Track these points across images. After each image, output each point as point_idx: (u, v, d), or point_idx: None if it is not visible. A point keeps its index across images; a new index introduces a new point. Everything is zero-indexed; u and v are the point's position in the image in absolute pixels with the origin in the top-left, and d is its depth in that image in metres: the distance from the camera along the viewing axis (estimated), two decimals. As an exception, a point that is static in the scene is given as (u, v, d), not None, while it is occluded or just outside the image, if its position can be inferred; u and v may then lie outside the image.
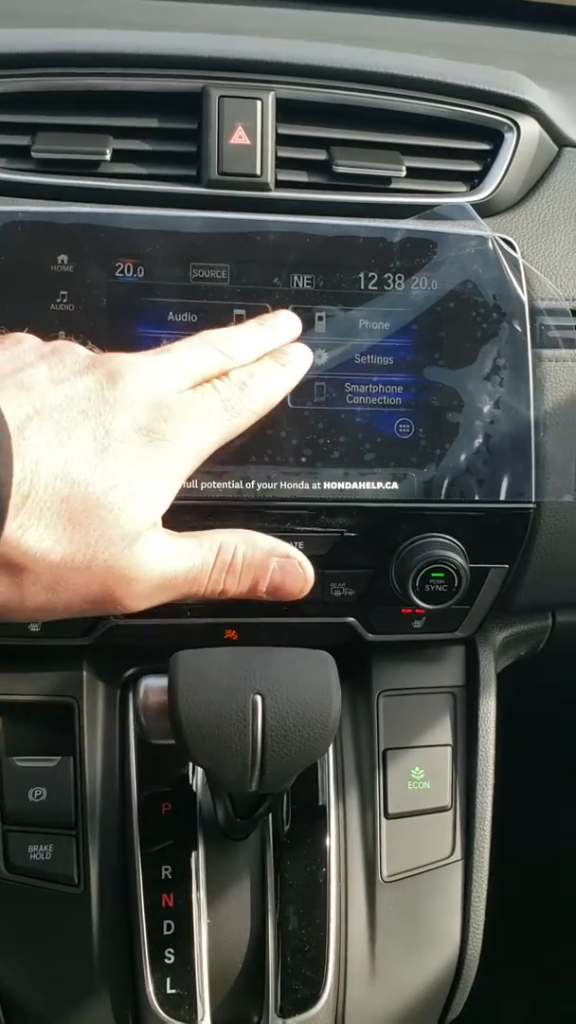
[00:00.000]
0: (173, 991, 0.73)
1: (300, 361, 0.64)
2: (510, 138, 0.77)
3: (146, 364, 0.55)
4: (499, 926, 0.85)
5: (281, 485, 0.67)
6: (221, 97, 0.71)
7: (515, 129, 0.77)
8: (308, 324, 0.68)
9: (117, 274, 0.67)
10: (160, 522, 0.55)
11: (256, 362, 0.61)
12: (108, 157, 0.70)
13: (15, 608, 0.51)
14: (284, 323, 0.66)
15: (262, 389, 0.60)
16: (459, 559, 0.69)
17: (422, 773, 0.80)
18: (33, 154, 0.70)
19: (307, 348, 0.65)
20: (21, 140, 0.71)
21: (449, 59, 0.80)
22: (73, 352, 0.55)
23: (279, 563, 0.61)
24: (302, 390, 0.67)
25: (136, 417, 0.53)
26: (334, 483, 0.68)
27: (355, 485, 0.68)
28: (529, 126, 0.78)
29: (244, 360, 0.61)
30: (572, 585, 0.78)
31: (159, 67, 0.72)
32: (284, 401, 0.67)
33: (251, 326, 0.64)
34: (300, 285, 0.69)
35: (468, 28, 1.07)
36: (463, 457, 0.69)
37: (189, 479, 0.65)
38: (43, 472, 0.49)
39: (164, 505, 0.54)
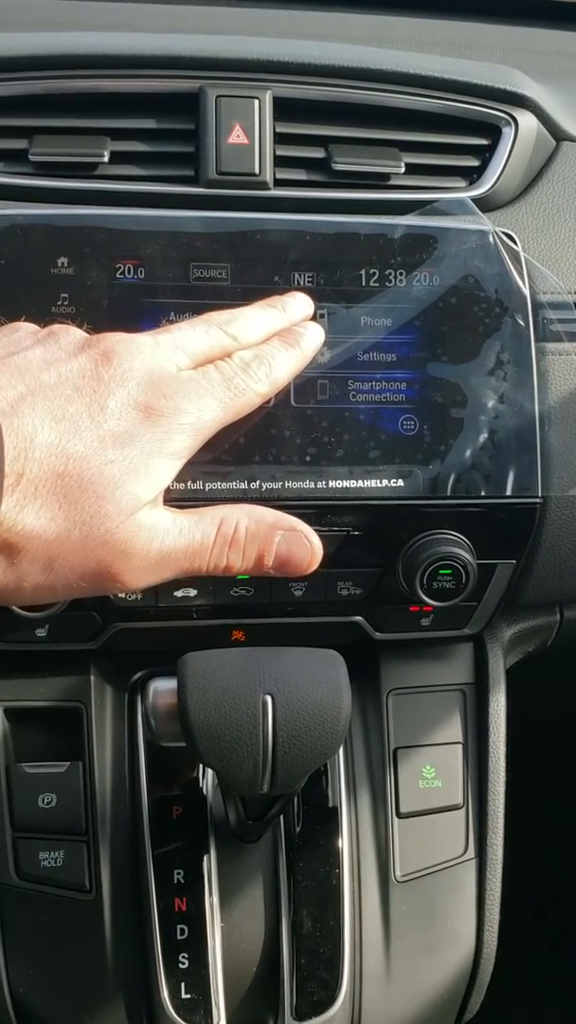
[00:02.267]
0: (188, 996, 0.72)
1: (309, 342, 0.63)
2: (508, 133, 0.77)
3: (144, 342, 0.55)
4: (514, 924, 0.84)
5: (286, 484, 0.67)
6: (218, 97, 0.71)
7: (513, 124, 0.77)
8: None
9: (118, 275, 0.66)
10: (159, 499, 0.54)
11: (263, 343, 0.61)
12: (106, 159, 0.70)
13: (13, 589, 0.51)
14: (294, 304, 0.65)
15: (267, 370, 0.59)
16: (466, 555, 0.68)
17: (433, 771, 0.80)
18: (30, 157, 0.70)
19: (319, 327, 0.64)
20: (18, 144, 0.71)
21: (445, 56, 0.80)
22: (69, 334, 0.55)
23: (285, 536, 0.60)
24: (305, 388, 0.67)
25: (133, 393, 0.52)
26: (339, 481, 0.67)
27: (360, 483, 0.68)
28: (527, 120, 0.77)
29: (249, 341, 0.60)
30: (580, 580, 0.78)
31: (155, 68, 0.72)
32: (287, 400, 0.67)
33: (258, 307, 0.63)
34: (301, 283, 0.68)
35: (461, 25, 1.07)
36: (468, 453, 0.69)
37: (194, 479, 0.65)
38: (36, 450, 0.48)
39: (163, 482, 0.53)
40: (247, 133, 0.71)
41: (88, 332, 0.65)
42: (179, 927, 0.73)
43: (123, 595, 0.67)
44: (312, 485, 0.67)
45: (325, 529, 0.68)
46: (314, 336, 0.64)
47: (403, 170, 0.74)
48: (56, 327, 0.56)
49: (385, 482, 0.68)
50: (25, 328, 0.57)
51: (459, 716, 0.81)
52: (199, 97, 0.71)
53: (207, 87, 0.71)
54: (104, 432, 0.51)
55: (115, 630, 0.72)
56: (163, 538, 0.53)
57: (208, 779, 0.76)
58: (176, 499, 0.60)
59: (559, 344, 0.72)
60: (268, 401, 0.63)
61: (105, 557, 0.51)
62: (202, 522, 0.57)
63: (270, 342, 0.61)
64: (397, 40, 0.95)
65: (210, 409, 0.55)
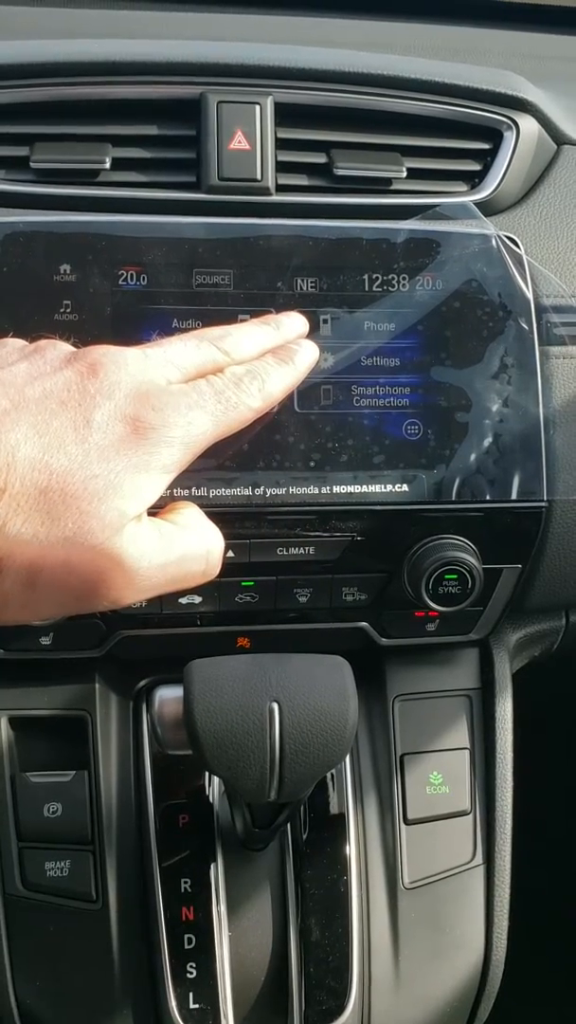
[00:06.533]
0: (196, 1006, 0.72)
1: (303, 358, 0.62)
2: (509, 137, 0.77)
3: (133, 355, 0.54)
4: (523, 931, 0.84)
5: (290, 490, 0.67)
6: (219, 103, 0.71)
7: (514, 128, 0.77)
8: (313, 327, 0.67)
9: (120, 282, 0.66)
10: (145, 514, 0.52)
11: (256, 359, 0.60)
12: (107, 166, 0.70)
13: None
14: (288, 322, 0.64)
15: (260, 384, 0.57)
16: (472, 560, 0.68)
17: (440, 777, 0.79)
18: (32, 164, 0.70)
19: (313, 345, 0.64)
20: (19, 151, 0.71)
21: (445, 61, 0.80)
22: (56, 348, 0.54)
23: None
24: (309, 394, 0.67)
25: (120, 406, 0.51)
26: (344, 487, 0.67)
27: (365, 488, 0.67)
28: (528, 124, 0.78)
29: (242, 357, 0.59)
30: (586, 584, 0.78)
31: (156, 74, 0.72)
32: (291, 406, 0.66)
33: (251, 324, 0.63)
34: (304, 288, 0.68)
35: (461, 30, 1.07)
36: (473, 457, 0.69)
37: (198, 486, 0.65)
38: (19, 465, 0.47)
39: (150, 497, 0.52)
40: (249, 139, 0.71)
41: (90, 339, 0.65)
42: (186, 936, 0.73)
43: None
44: (316, 491, 0.67)
45: (330, 535, 0.68)
46: (308, 353, 0.63)
47: (405, 175, 0.74)
48: (43, 342, 0.55)
49: (390, 487, 0.68)
50: (12, 344, 0.56)
51: (466, 721, 0.81)
52: (200, 103, 0.71)
53: (208, 93, 0.71)
54: (89, 446, 0.49)
55: (120, 638, 0.72)
56: (151, 554, 0.52)
57: (215, 787, 0.76)
58: None
59: (563, 348, 0.72)
60: (272, 407, 0.63)
61: (90, 574, 0.49)
62: (189, 535, 0.55)
63: (263, 358, 0.60)
64: (397, 45, 0.95)
65: (200, 423, 0.53)
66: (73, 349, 0.55)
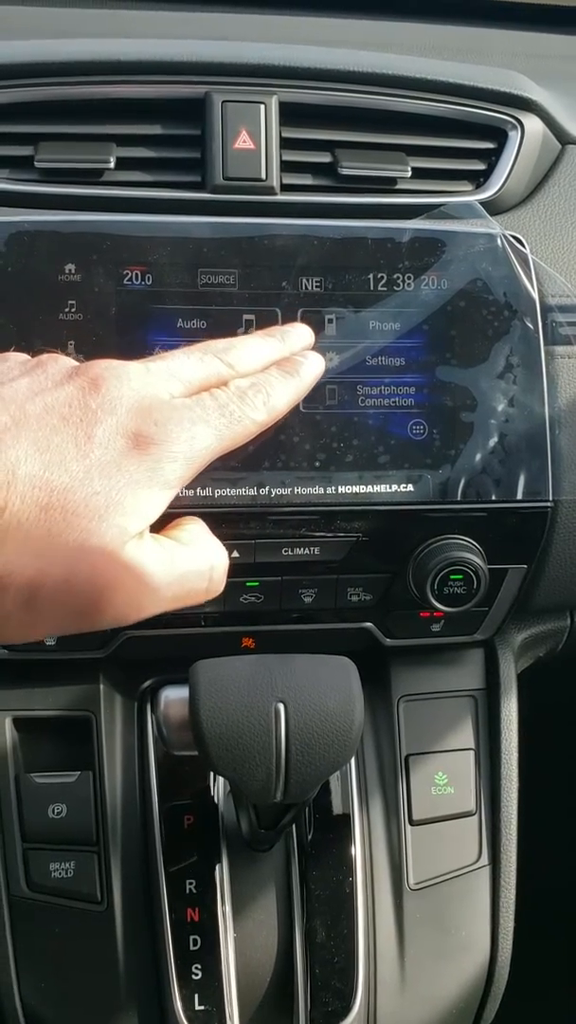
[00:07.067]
0: (202, 1007, 0.72)
1: (309, 371, 0.61)
2: (514, 136, 0.76)
3: (136, 369, 0.53)
4: (529, 931, 0.84)
5: (296, 490, 0.67)
6: (224, 102, 0.71)
7: (519, 127, 0.77)
8: (318, 327, 0.67)
9: (125, 282, 0.66)
10: (147, 530, 0.51)
11: (261, 372, 0.59)
12: (112, 165, 0.70)
13: None
14: (293, 333, 0.63)
15: (264, 397, 0.56)
16: (477, 560, 0.68)
17: (445, 778, 0.79)
18: (36, 164, 0.70)
19: (319, 357, 0.62)
20: (24, 150, 0.70)
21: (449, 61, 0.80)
22: (57, 363, 0.53)
23: None
24: (314, 394, 0.66)
25: (122, 421, 0.50)
26: (349, 487, 0.67)
27: (370, 488, 0.67)
28: (533, 124, 0.77)
29: (247, 369, 0.58)
30: (591, 584, 0.78)
31: (161, 74, 0.72)
32: (297, 405, 0.66)
33: (256, 336, 0.62)
34: (309, 288, 0.68)
35: (464, 30, 1.07)
36: (478, 457, 0.68)
37: (204, 486, 0.64)
38: (19, 482, 0.47)
39: (152, 514, 0.51)
40: (253, 138, 0.71)
41: (94, 339, 0.65)
42: (192, 937, 0.73)
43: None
44: (321, 491, 0.67)
45: (335, 535, 0.68)
46: (314, 365, 0.62)
47: (410, 174, 0.73)
48: (45, 356, 0.54)
49: (395, 487, 0.68)
50: (14, 358, 0.55)
51: (471, 722, 0.81)
52: (205, 102, 0.71)
53: (213, 92, 0.71)
54: (91, 462, 0.48)
55: (124, 638, 0.72)
56: (152, 572, 0.51)
57: (220, 788, 0.76)
58: (185, 506, 0.60)
59: (568, 347, 0.72)
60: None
61: (90, 594, 0.48)
62: (192, 553, 0.54)
63: (268, 371, 0.59)
64: (401, 45, 0.95)
65: (203, 437, 0.52)
66: (76, 363, 0.54)
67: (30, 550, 0.46)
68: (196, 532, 0.56)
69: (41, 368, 0.53)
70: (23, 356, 0.55)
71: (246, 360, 0.58)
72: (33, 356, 0.55)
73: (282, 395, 0.58)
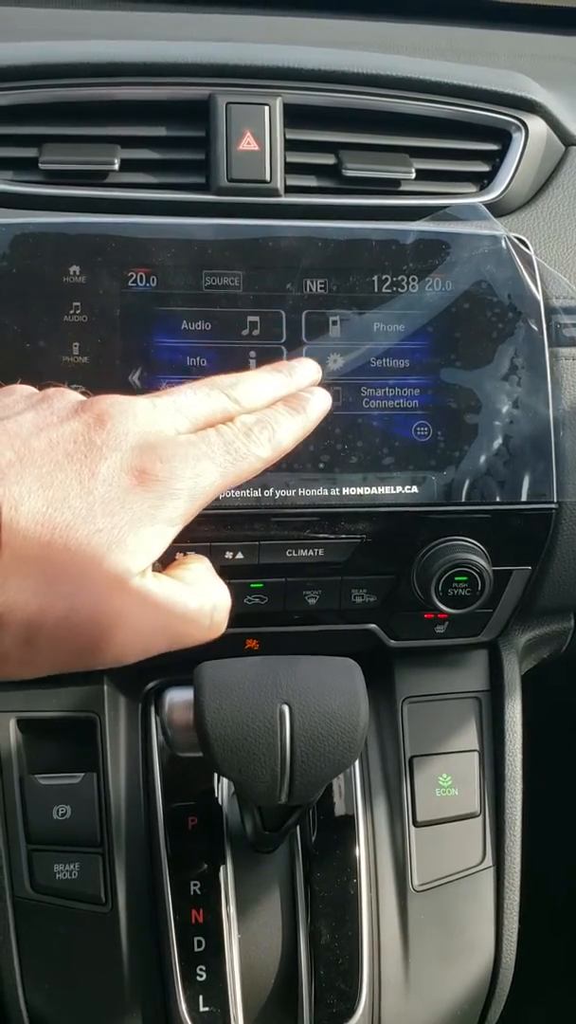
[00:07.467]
0: (206, 1008, 0.72)
1: (315, 408, 0.60)
2: (518, 138, 0.76)
3: (141, 405, 0.52)
4: (533, 933, 0.84)
5: (300, 492, 0.67)
6: (228, 104, 0.71)
7: (523, 129, 0.77)
8: (322, 328, 0.68)
9: (130, 284, 0.66)
10: (150, 569, 0.51)
11: (267, 408, 0.58)
12: (116, 167, 0.70)
13: None
14: (300, 369, 0.62)
15: (270, 434, 0.56)
16: (481, 562, 0.68)
17: (449, 780, 0.79)
18: (41, 166, 0.70)
19: (326, 394, 0.61)
20: (28, 152, 0.70)
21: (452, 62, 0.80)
22: (64, 398, 0.53)
23: None
24: None
25: (127, 458, 0.50)
26: (353, 488, 0.67)
27: (374, 490, 0.67)
28: (537, 126, 0.77)
29: (252, 405, 0.57)
30: (595, 586, 0.78)
31: (165, 75, 0.72)
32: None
33: (263, 371, 0.61)
34: (313, 290, 0.68)
35: (467, 32, 1.07)
36: (483, 459, 0.68)
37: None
38: (22, 519, 0.46)
39: (155, 551, 0.50)
40: (258, 140, 0.71)
41: (101, 343, 0.65)
42: (196, 939, 0.73)
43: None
44: (326, 492, 0.67)
45: (339, 536, 0.68)
46: (320, 402, 0.61)
47: (414, 176, 0.74)
48: (51, 391, 0.54)
49: (399, 489, 0.68)
50: (20, 391, 0.55)
51: (475, 724, 0.81)
52: (209, 104, 0.71)
53: (217, 94, 0.71)
54: (94, 499, 0.48)
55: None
56: (152, 613, 0.50)
57: (224, 789, 0.76)
58: None
59: (573, 349, 0.72)
60: None
61: (91, 632, 0.48)
62: (194, 594, 0.54)
63: (274, 407, 0.58)
64: (405, 46, 0.95)
65: (208, 474, 0.52)
66: (81, 398, 0.53)
67: (32, 588, 0.46)
68: (199, 572, 0.56)
69: (47, 402, 0.52)
70: (29, 389, 0.55)
71: (252, 396, 0.57)
72: (40, 389, 0.54)
73: (287, 432, 0.57)
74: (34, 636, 0.46)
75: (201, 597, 0.54)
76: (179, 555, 0.60)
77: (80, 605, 0.47)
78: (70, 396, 0.53)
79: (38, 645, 0.47)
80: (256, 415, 0.56)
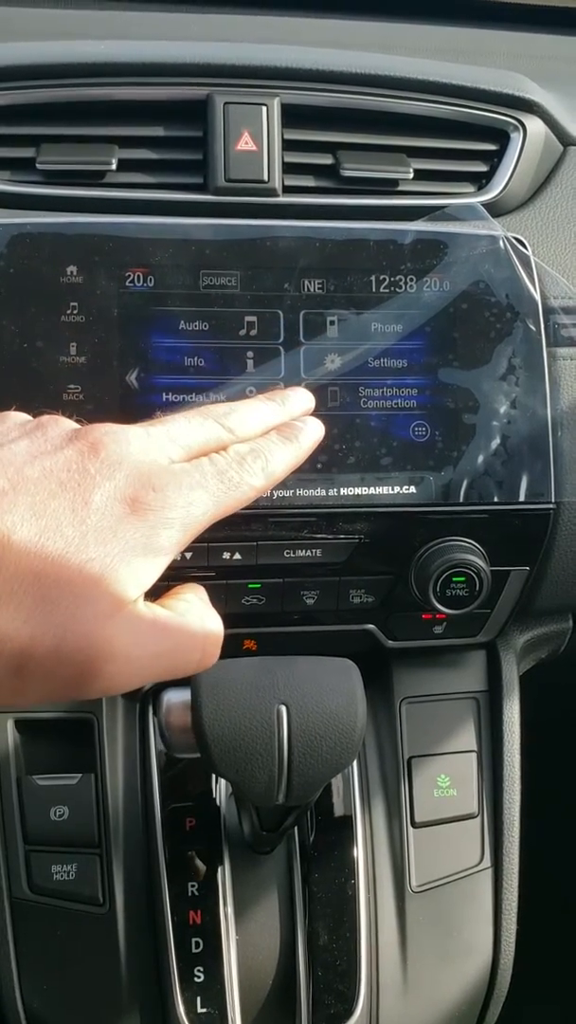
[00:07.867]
0: (204, 1010, 0.71)
1: (308, 437, 0.60)
2: (516, 138, 0.76)
3: (135, 433, 0.52)
4: (531, 933, 0.84)
5: (297, 492, 0.67)
6: (226, 104, 0.71)
7: (521, 129, 0.77)
8: (320, 328, 0.67)
9: (127, 284, 0.66)
10: (142, 599, 0.50)
11: (260, 437, 0.58)
12: (114, 167, 0.70)
13: None
14: (293, 398, 0.63)
15: (263, 463, 0.56)
16: (480, 562, 0.68)
17: (448, 780, 0.79)
18: (38, 166, 0.70)
19: (319, 423, 0.62)
20: (26, 152, 0.70)
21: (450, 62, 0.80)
22: (58, 425, 0.53)
23: None
24: (316, 396, 0.66)
25: (120, 486, 0.49)
26: (351, 488, 0.67)
27: (372, 490, 0.67)
28: (535, 126, 0.77)
29: (246, 434, 0.57)
30: (594, 586, 0.78)
31: (163, 75, 0.72)
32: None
33: (257, 401, 0.61)
34: (311, 290, 0.68)
35: (466, 32, 1.07)
36: (481, 459, 0.68)
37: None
38: (14, 548, 0.46)
39: (147, 581, 0.50)
40: (255, 140, 0.71)
41: (99, 343, 0.65)
42: (194, 940, 0.73)
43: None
44: (323, 492, 0.67)
45: (337, 537, 0.68)
46: (313, 431, 0.61)
47: (411, 176, 0.74)
48: (45, 418, 0.54)
49: (397, 489, 0.68)
50: (13, 418, 0.54)
51: (473, 724, 0.81)
52: (207, 104, 0.71)
53: (215, 94, 0.71)
54: (87, 528, 0.48)
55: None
56: (144, 644, 0.50)
57: (221, 790, 0.76)
58: None
59: (571, 349, 0.72)
60: None
61: (82, 663, 0.47)
62: (186, 624, 0.53)
63: (268, 436, 0.58)
64: (403, 46, 0.95)
65: (201, 503, 0.52)
66: (76, 426, 0.53)
67: (23, 617, 0.45)
68: (192, 602, 0.55)
69: (41, 430, 0.52)
70: (23, 416, 0.55)
71: (246, 425, 0.57)
72: (34, 416, 0.54)
73: (280, 461, 0.57)
74: (24, 666, 0.46)
75: (193, 628, 0.53)
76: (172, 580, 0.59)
77: (71, 635, 0.46)
78: (64, 424, 0.53)
79: (28, 675, 0.46)
80: (249, 444, 0.56)
